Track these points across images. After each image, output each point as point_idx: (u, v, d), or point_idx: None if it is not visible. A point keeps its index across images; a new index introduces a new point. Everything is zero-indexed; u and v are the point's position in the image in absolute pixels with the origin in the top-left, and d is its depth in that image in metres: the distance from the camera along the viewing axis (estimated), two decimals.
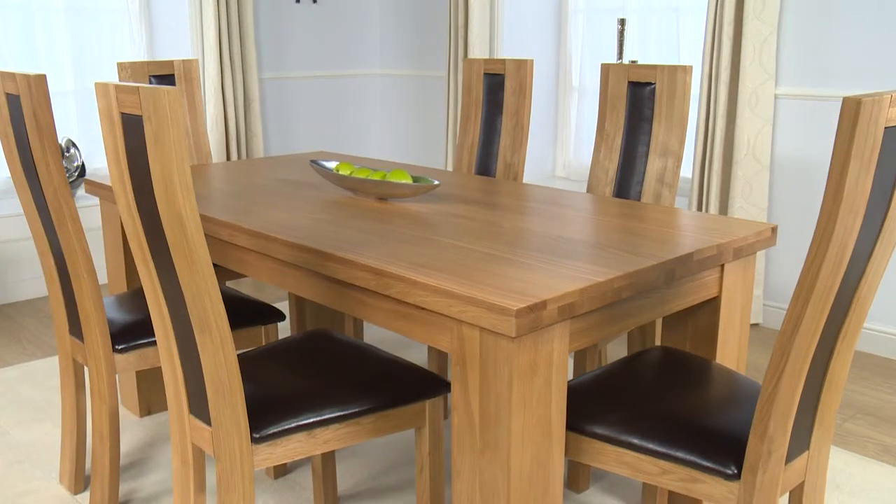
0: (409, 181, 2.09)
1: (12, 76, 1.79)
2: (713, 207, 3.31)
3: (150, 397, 2.58)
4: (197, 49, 4.09)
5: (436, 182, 2.06)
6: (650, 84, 2.37)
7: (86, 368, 2.94)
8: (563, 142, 4.42)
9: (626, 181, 2.44)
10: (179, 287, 1.48)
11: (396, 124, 4.92)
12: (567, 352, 1.47)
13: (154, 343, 1.99)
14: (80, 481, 2.13)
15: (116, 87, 1.43)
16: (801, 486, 1.53)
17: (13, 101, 1.83)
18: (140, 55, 4.16)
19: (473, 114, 2.86)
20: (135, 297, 2.18)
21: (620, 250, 1.64)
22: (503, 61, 2.75)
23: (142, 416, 2.57)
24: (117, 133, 1.47)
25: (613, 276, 1.47)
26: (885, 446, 2.39)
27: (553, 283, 1.42)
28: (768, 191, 3.27)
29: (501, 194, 2.24)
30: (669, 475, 1.47)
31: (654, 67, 2.35)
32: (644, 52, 4.06)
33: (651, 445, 1.47)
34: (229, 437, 1.52)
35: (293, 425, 1.55)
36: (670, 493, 1.97)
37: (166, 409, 2.60)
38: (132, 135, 1.43)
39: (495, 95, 2.80)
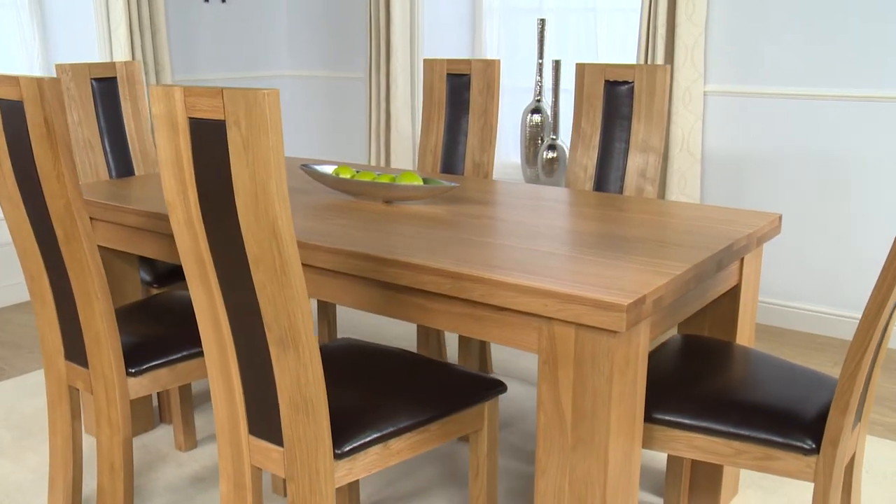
0: (421, 183, 2.07)
1: (14, 80, 1.63)
2: None
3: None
4: (104, 50, 3.84)
5: (454, 184, 2.05)
6: (628, 83, 2.45)
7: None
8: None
9: (606, 177, 2.51)
10: (255, 303, 1.40)
11: (309, 127, 4.81)
12: (648, 345, 1.51)
13: (168, 364, 1.86)
14: None
15: (186, 90, 1.34)
16: (852, 456, 1.64)
17: (10, 109, 1.67)
18: (33, 56, 3.85)
19: (436, 114, 2.86)
20: (131, 315, 2.03)
21: (671, 244, 1.70)
22: (468, 62, 2.76)
23: None
24: (181, 140, 1.37)
25: (686, 269, 1.52)
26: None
27: (641, 279, 1.46)
28: (700, 183, 3.46)
29: (497, 193, 2.25)
30: (744, 455, 1.54)
31: (631, 67, 2.43)
32: (562, 51, 4.18)
33: (725, 428, 1.54)
34: (308, 456, 1.46)
35: (371, 438, 1.50)
36: (692, 476, 2.05)
37: (141, 433, 2.44)
38: (205, 142, 1.34)
39: (460, 96, 2.80)
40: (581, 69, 2.53)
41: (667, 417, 1.58)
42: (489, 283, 1.46)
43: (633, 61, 3.89)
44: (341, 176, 2.15)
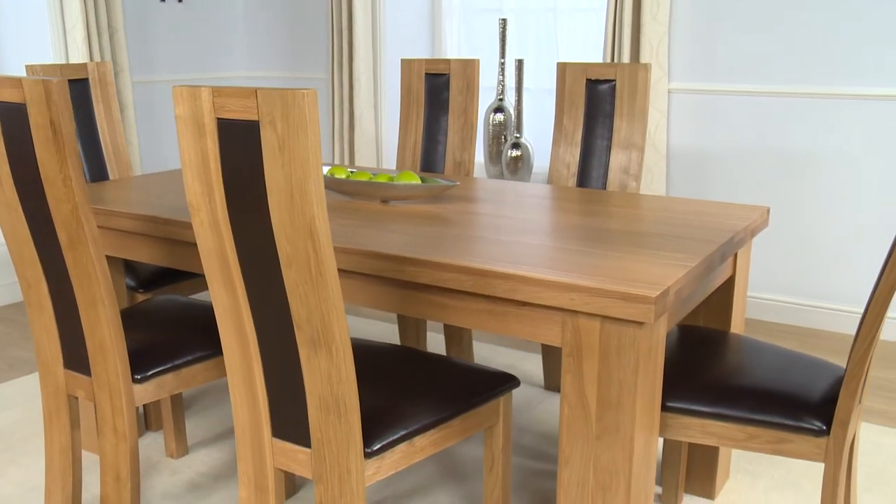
0: (419, 182, 2.08)
1: (17, 82, 1.58)
2: None
3: None
4: (59, 51, 3.73)
5: (455, 183, 2.06)
6: (610, 81, 2.50)
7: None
8: None
9: (588, 174, 2.56)
10: (285, 303, 1.39)
11: None
12: (665, 336, 1.55)
13: (173, 369, 1.83)
14: None
15: (214, 90, 1.32)
16: (854, 436, 1.71)
17: (10, 111, 1.62)
18: None
19: (414, 114, 2.87)
20: (128, 321, 1.99)
21: (677, 237, 1.75)
22: (447, 61, 2.78)
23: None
24: (208, 141, 1.36)
25: (699, 261, 1.57)
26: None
27: (659, 272, 1.50)
28: (665, 178, 3.55)
29: (489, 191, 2.27)
30: (756, 439, 1.60)
31: (613, 66, 2.49)
32: (523, 51, 4.24)
33: (739, 413, 1.59)
34: (339, 456, 1.46)
35: (398, 436, 1.51)
36: (688, 463, 2.11)
37: None
38: (234, 142, 1.33)
39: (438, 95, 2.82)
40: (563, 68, 2.57)
41: (681, 405, 1.63)
42: (515, 279, 1.48)
43: (595, 60, 3.96)
44: (336, 176, 2.14)
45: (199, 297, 3.71)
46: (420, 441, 1.57)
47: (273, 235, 1.35)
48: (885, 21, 3.04)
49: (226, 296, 1.48)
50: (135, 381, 1.78)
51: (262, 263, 1.40)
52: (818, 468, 2.25)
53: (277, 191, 1.31)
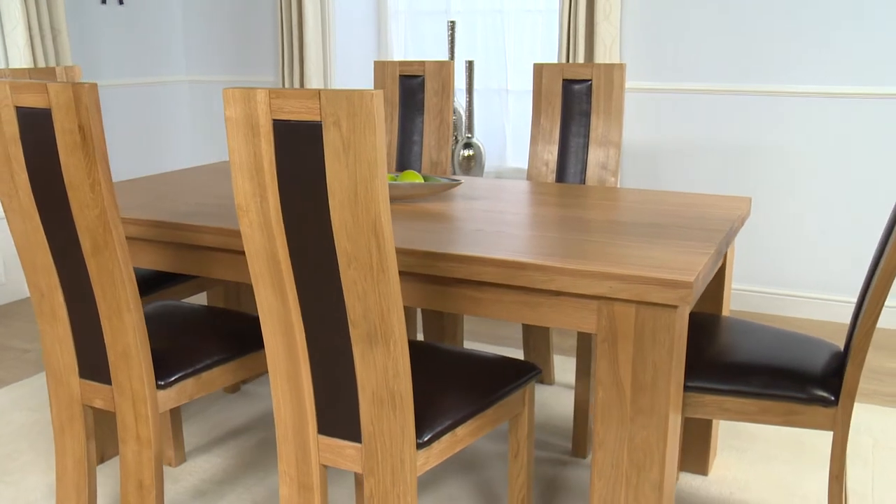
0: (422, 181, 2.12)
1: (41, 87, 1.55)
2: None
3: (104, 443, 2.30)
4: None
5: (459, 181, 2.11)
6: (586, 81, 2.60)
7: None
8: None
9: (566, 170, 2.66)
10: (340, 301, 1.42)
11: (212, 134, 4.68)
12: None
13: (194, 374, 1.82)
14: None
15: (272, 92, 1.34)
16: None
17: (33, 116, 1.58)
18: None
19: (388, 115, 2.90)
20: None
21: (684, 228, 1.85)
22: (422, 63, 2.83)
23: (98, 464, 2.29)
24: (262, 143, 1.37)
25: (714, 248, 1.68)
26: None
27: (684, 259, 1.59)
28: (619, 174, 3.69)
29: (481, 188, 2.33)
30: (769, 413, 1.72)
31: (589, 66, 2.59)
32: (471, 52, 4.31)
33: (753, 389, 1.70)
34: (393, 448, 1.49)
35: (445, 426, 1.56)
36: (683, 440, 2.23)
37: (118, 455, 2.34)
38: (291, 143, 1.35)
39: (413, 97, 2.86)
40: (539, 69, 2.66)
41: (700, 385, 1.73)
42: (553, 270, 1.55)
43: (543, 61, 4.07)
44: None
45: (191, 300, 3.63)
46: (461, 431, 1.62)
47: (332, 234, 1.38)
48: (821, 21, 3.25)
49: (273, 296, 1.49)
50: (158, 387, 1.76)
51: (316, 262, 1.42)
52: (794, 440, 2.40)
53: (340, 190, 1.34)
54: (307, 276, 1.45)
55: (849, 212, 3.37)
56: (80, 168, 1.57)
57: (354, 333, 1.44)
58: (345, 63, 4.33)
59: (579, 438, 2.33)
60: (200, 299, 3.78)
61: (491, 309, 1.66)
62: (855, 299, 3.42)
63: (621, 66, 2.54)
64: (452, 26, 4.23)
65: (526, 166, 4.15)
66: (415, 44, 4.43)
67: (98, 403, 1.81)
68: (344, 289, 1.41)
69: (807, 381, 1.69)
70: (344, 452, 1.55)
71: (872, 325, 1.62)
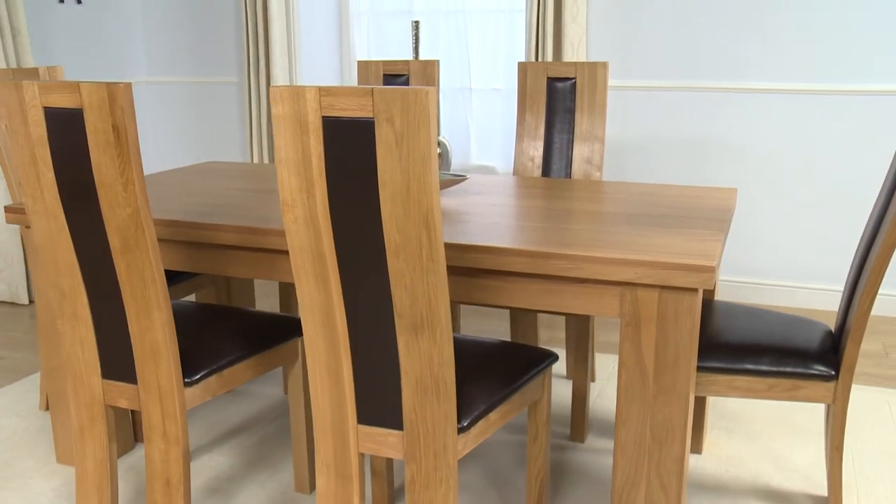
0: None
1: (73, 87, 1.55)
2: None
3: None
4: None
5: (466, 176, 2.17)
6: (570, 79, 2.69)
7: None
8: None
9: (552, 165, 2.74)
10: (386, 292, 1.46)
11: (175, 136, 4.63)
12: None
13: (217, 371, 1.84)
14: None
15: (322, 90, 1.38)
16: None
17: (62, 116, 1.58)
18: None
19: None
20: None
21: (689, 217, 1.95)
22: (406, 62, 2.87)
23: None
24: (311, 139, 1.41)
25: (723, 236, 1.78)
26: None
27: (699, 246, 1.69)
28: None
29: (476, 184, 2.40)
30: (776, 388, 1.83)
31: (573, 65, 2.68)
32: (434, 52, 4.37)
33: (761, 367, 1.81)
34: (435, 434, 1.54)
35: (480, 411, 1.62)
36: None
37: (121, 455, 2.32)
38: (341, 139, 1.39)
39: None
40: (524, 67, 2.74)
41: (711, 364, 1.83)
42: (579, 259, 1.62)
43: (507, 60, 4.15)
44: None
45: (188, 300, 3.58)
46: (493, 416, 1.68)
47: (380, 226, 1.42)
48: (779, 21, 3.42)
49: (316, 290, 1.52)
50: (184, 384, 1.77)
51: (362, 254, 1.46)
52: (777, 418, 2.54)
53: (392, 183, 1.38)
54: (352, 268, 1.49)
55: (822, 203, 3.55)
56: (113, 167, 1.58)
57: (399, 323, 1.49)
58: (309, 64, 4.33)
59: (578, 424, 2.42)
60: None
61: (515, 298, 1.72)
62: (826, 287, 3.61)
63: (604, 65, 2.64)
64: (417, 26, 4.27)
65: (492, 163, 4.23)
66: (378, 44, 4.46)
67: (122, 403, 1.81)
68: (391, 279, 1.46)
69: (809, 359, 1.81)
70: (386, 440, 1.60)
71: (870, 304, 1.74)
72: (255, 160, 4.27)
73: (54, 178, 1.64)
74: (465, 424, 1.58)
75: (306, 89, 1.39)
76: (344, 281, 1.51)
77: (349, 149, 1.40)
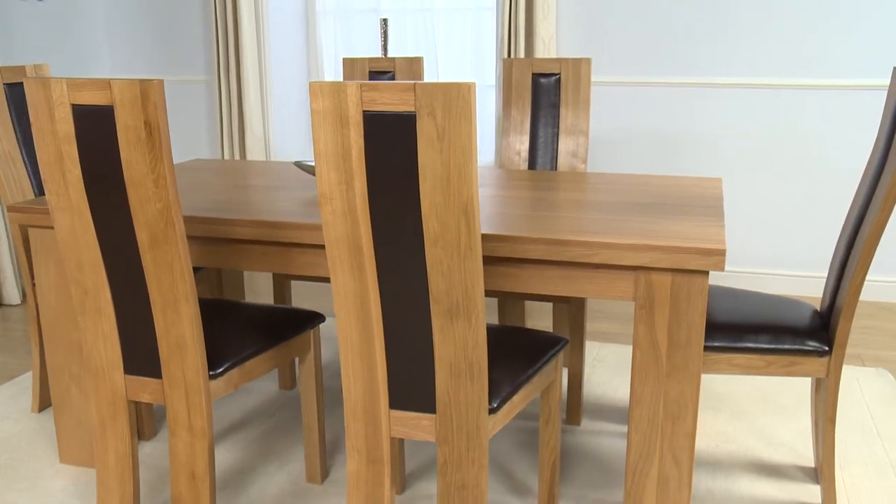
0: None
1: (104, 84, 1.57)
2: None
3: None
4: None
5: None
6: (555, 75, 2.77)
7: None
8: None
9: (538, 158, 2.82)
10: (423, 280, 1.52)
11: None
12: None
13: (238, 363, 1.86)
14: None
15: (363, 85, 1.43)
16: None
17: (89, 114, 1.59)
18: None
19: None
20: None
21: (687, 206, 2.05)
22: (392, 60, 2.92)
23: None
24: (352, 133, 1.46)
25: (720, 221, 1.88)
26: None
27: (705, 231, 1.78)
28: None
29: None
30: (774, 365, 1.94)
31: (557, 61, 2.76)
32: (401, 50, 4.42)
33: (759, 345, 1.92)
34: (468, 416, 1.60)
35: (507, 392, 1.68)
36: None
37: None
38: (382, 133, 1.44)
39: None
40: (509, 63, 2.81)
41: (714, 344, 1.93)
42: (596, 245, 1.70)
43: (475, 57, 4.23)
44: None
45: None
46: (517, 398, 1.75)
47: (419, 216, 1.48)
48: (747, 16, 3.57)
49: (351, 279, 1.57)
50: (209, 377, 1.80)
51: (400, 243, 1.51)
52: (760, 397, 2.67)
53: (433, 175, 1.44)
54: (388, 257, 1.54)
55: (795, 194, 3.71)
56: (144, 164, 1.60)
57: (435, 309, 1.55)
58: (277, 61, 4.34)
59: (574, 408, 2.51)
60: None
61: (531, 284, 1.80)
62: (796, 273, 3.77)
63: (588, 61, 2.73)
64: (385, 24, 4.32)
65: None
66: (345, 42, 4.49)
67: (145, 398, 1.82)
68: (427, 267, 1.52)
69: (804, 336, 1.92)
70: (420, 424, 1.65)
71: (861, 282, 1.86)
72: (227, 158, 4.26)
73: (80, 175, 1.65)
74: (496, 406, 1.64)
75: (347, 85, 1.44)
76: (380, 270, 1.56)
77: (389, 142, 1.45)
